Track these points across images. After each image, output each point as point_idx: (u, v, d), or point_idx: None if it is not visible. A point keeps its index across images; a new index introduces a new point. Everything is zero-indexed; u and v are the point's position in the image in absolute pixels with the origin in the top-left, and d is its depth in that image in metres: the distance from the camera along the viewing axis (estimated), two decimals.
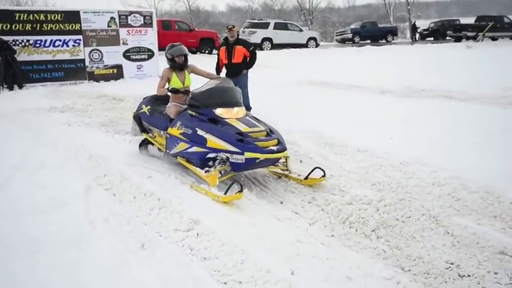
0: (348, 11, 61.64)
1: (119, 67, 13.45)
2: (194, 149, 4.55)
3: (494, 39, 29.56)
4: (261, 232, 3.60)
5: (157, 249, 3.33)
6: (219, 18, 57.38)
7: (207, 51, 22.29)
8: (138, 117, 5.66)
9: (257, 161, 4.21)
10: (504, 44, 26.06)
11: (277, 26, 25.54)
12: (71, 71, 12.77)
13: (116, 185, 4.74)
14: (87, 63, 12.98)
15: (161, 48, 15.03)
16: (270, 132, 4.55)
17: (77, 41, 12.75)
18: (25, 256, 3.15)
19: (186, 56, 5.24)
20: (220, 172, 4.37)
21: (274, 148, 4.32)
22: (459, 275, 3.02)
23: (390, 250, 3.38)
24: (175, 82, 5.17)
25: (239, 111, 4.69)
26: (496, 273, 3.05)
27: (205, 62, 18.85)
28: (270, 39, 24.41)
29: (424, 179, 4.61)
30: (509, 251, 3.26)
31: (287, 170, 4.79)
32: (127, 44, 13.52)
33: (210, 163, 4.43)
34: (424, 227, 3.63)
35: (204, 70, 5.58)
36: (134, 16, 13.53)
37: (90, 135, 6.85)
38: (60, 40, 12.54)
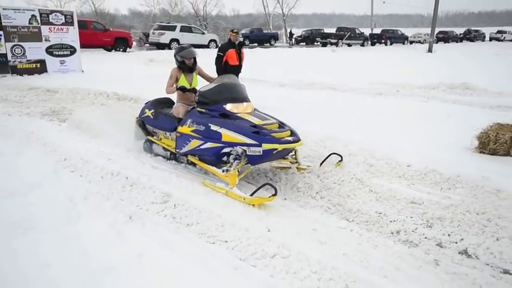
0: (234, 19, 62.13)
1: (42, 62, 11.99)
2: (208, 144, 3.93)
3: (349, 45, 32.13)
4: (229, 200, 3.56)
5: (145, 220, 3.13)
6: (122, 21, 54.09)
7: (121, 50, 20.92)
8: (141, 122, 4.94)
9: (274, 151, 3.70)
10: (357, 50, 28.48)
11: (183, 29, 24.81)
12: None
13: (79, 167, 4.31)
14: (9, 57, 11.38)
15: (81, 46, 13.78)
16: (282, 124, 4.08)
17: None
18: (21, 234, 2.76)
19: (195, 58, 4.70)
20: (237, 170, 3.77)
21: (290, 139, 3.84)
22: (389, 221, 3.31)
23: (333, 207, 3.56)
24: (183, 82, 4.62)
25: (248, 106, 4.14)
26: (411, 217, 3.39)
27: (120, 59, 17.84)
28: (177, 40, 23.57)
29: (342, 151, 4.87)
30: (417, 200, 3.63)
31: (296, 162, 4.29)
32: (49, 41, 12.09)
33: (224, 158, 3.88)
34: (355, 188, 3.88)
35: (208, 74, 5.01)
36: (55, 15, 12.14)
37: (36, 124, 6.07)
38: None
